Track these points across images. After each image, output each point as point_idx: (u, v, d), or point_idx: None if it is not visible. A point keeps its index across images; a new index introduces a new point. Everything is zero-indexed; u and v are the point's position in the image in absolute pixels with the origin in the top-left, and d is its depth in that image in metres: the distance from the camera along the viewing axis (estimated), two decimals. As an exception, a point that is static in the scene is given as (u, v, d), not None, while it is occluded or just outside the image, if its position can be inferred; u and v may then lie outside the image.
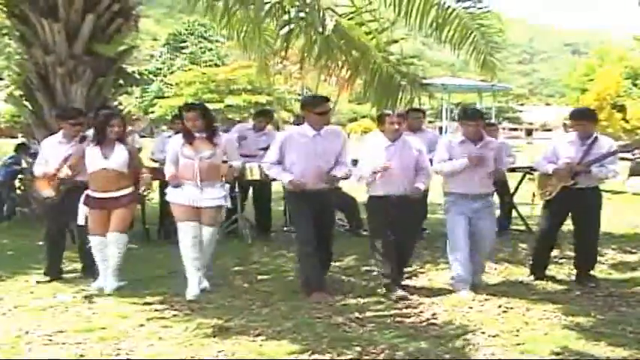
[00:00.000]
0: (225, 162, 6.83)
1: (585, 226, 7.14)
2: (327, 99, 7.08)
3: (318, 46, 8.99)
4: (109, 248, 6.83)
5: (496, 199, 10.02)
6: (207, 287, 6.78)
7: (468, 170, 6.76)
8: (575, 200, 6.99)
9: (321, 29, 8.66)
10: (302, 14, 8.78)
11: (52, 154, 7.27)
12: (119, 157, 6.77)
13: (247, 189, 9.97)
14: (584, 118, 7.13)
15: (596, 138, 7.05)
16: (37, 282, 7.20)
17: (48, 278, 7.27)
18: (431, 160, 7.16)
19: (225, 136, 7.05)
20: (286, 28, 8.85)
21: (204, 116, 6.77)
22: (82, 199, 6.82)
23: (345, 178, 7.05)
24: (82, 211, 6.84)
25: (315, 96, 7.54)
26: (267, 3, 9.09)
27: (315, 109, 6.70)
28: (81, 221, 6.88)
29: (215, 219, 6.85)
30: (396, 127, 6.74)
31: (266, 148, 8.85)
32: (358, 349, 4.97)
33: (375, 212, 6.83)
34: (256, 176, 9.23)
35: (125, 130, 6.99)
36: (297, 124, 7.22)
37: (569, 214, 7.20)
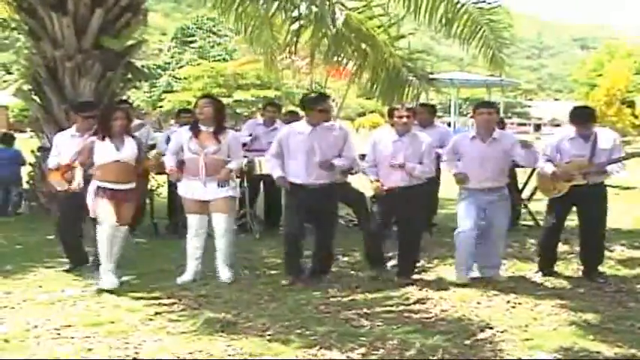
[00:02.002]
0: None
1: (592, 222, 7.10)
2: (327, 96, 7.15)
3: (328, 40, 8.97)
4: (117, 242, 6.86)
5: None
6: (231, 278, 6.88)
7: (477, 166, 6.77)
8: (581, 196, 6.95)
9: (331, 23, 8.64)
10: (313, 8, 8.74)
11: (66, 147, 7.28)
12: (130, 149, 6.80)
13: (258, 183, 9.96)
14: (583, 119, 7.01)
15: (596, 133, 7.01)
16: (65, 270, 7.33)
17: (72, 265, 7.37)
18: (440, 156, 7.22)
19: (230, 132, 7.08)
20: (297, 23, 8.82)
21: (216, 109, 6.85)
22: (89, 192, 6.80)
23: (349, 171, 7.14)
24: (91, 203, 6.81)
25: (315, 93, 7.56)
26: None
27: (317, 106, 6.77)
28: (93, 214, 6.87)
29: (225, 207, 6.91)
30: (404, 120, 6.79)
31: None
32: (367, 344, 4.97)
33: (378, 202, 7.03)
34: (267, 170, 9.25)
35: (129, 122, 7.04)
36: None
37: (575, 210, 7.17)
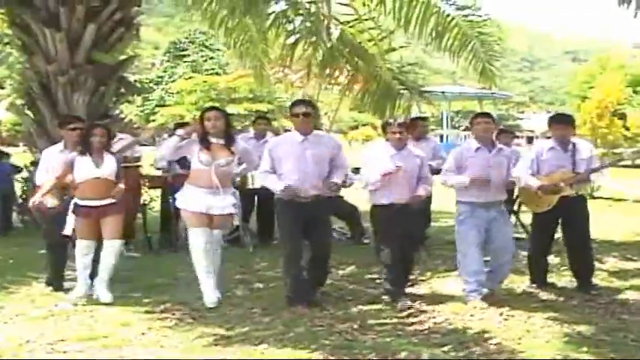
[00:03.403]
0: None
1: (578, 234, 7.12)
2: (308, 102, 7.05)
3: (323, 53, 9.00)
4: (104, 257, 6.83)
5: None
6: (217, 299, 6.66)
7: (485, 177, 6.70)
8: (565, 207, 6.97)
9: (326, 37, 8.68)
10: (307, 23, 8.77)
11: (54, 162, 7.26)
12: (109, 166, 6.81)
13: (253, 197, 9.96)
14: (563, 123, 7.12)
15: (574, 143, 7.07)
16: (43, 290, 7.24)
17: (50, 288, 7.27)
18: (435, 170, 7.19)
19: (241, 143, 7.07)
20: (292, 38, 8.84)
21: (227, 121, 6.82)
22: (70, 208, 6.81)
23: (344, 184, 7.06)
24: (70, 221, 6.84)
25: (297, 100, 7.54)
26: (271, 13, 9.12)
27: (298, 111, 6.61)
28: (68, 231, 6.85)
29: (224, 225, 6.89)
30: (397, 136, 6.73)
31: None
32: (360, 357, 4.97)
33: (383, 221, 6.75)
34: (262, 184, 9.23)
35: (109, 139, 7.00)
36: None
37: (559, 223, 7.19)
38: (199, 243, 6.61)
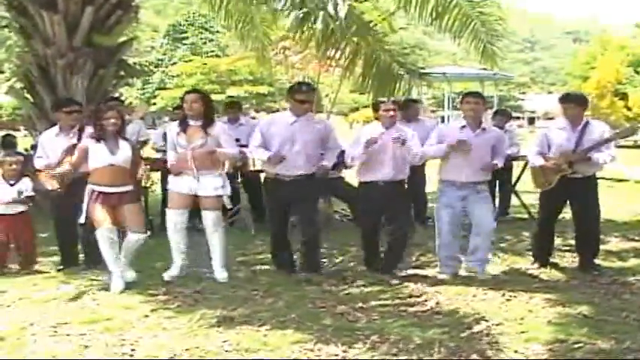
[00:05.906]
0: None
1: (585, 214, 7.11)
2: (311, 87, 7.13)
3: (331, 30, 8.91)
4: (128, 248, 6.76)
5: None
6: (226, 279, 6.77)
7: (460, 157, 6.73)
8: (572, 188, 6.96)
9: (334, 13, 8.61)
10: None
11: (51, 146, 7.27)
12: (125, 152, 6.70)
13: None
14: (570, 102, 7.07)
15: (587, 123, 7.02)
16: (58, 270, 7.35)
17: (63, 266, 7.39)
18: None
19: (219, 124, 7.07)
20: (300, 12, 8.75)
21: (205, 102, 6.81)
22: (85, 195, 6.71)
23: (343, 164, 7.15)
24: (85, 209, 6.72)
25: (301, 83, 7.57)
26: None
27: (295, 95, 6.82)
28: (83, 220, 6.80)
29: (216, 205, 6.87)
30: (390, 114, 6.80)
31: (245, 138, 8.73)
32: (363, 337, 4.98)
33: (362, 198, 7.03)
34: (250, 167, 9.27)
35: (123, 123, 6.91)
36: None
37: (568, 203, 7.19)
38: (171, 223, 6.90)
